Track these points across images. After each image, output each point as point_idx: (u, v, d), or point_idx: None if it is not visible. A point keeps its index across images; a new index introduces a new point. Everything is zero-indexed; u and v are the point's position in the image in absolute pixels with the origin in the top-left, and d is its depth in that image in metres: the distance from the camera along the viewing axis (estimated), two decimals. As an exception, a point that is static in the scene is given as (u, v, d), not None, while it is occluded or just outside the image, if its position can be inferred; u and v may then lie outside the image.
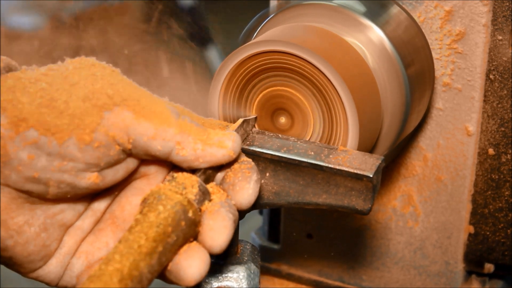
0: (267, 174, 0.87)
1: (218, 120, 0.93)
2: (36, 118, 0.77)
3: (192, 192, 0.79)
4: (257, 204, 0.87)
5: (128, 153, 0.81)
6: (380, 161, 0.85)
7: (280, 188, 0.87)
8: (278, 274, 1.25)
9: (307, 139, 0.92)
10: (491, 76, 1.05)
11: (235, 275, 0.89)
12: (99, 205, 0.85)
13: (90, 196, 0.84)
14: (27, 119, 0.77)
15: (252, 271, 0.89)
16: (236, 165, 0.84)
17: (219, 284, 0.88)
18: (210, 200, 0.81)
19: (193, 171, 0.82)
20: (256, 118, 0.93)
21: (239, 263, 0.89)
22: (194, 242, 0.79)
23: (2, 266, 0.84)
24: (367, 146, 0.95)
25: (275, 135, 0.91)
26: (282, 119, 0.93)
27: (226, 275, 0.89)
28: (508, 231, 1.10)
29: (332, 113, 0.91)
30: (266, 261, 1.25)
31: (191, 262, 0.77)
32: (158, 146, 0.79)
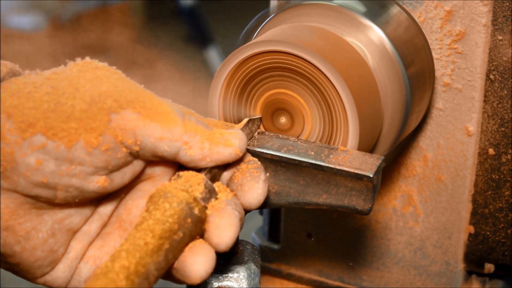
0: (267, 174, 0.87)
1: (220, 121, 0.93)
2: (43, 123, 0.77)
3: (198, 190, 0.79)
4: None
5: (135, 155, 0.81)
6: (380, 161, 0.85)
7: (280, 188, 0.87)
8: (278, 274, 1.25)
9: (307, 139, 0.92)
10: (491, 76, 1.05)
11: (235, 275, 0.89)
12: (106, 209, 0.85)
13: (97, 200, 0.84)
14: (34, 124, 0.77)
15: (252, 271, 0.89)
16: (243, 165, 0.84)
17: (220, 284, 0.88)
18: (216, 198, 0.81)
19: (199, 170, 0.82)
20: (261, 118, 0.93)
21: (240, 263, 0.89)
22: (200, 239, 0.79)
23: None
24: (367, 146, 0.95)
25: (275, 135, 0.91)
26: (282, 119, 0.93)
27: (226, 275, 0.89)
28: (509, 231, 1.10)
29: (332, 113, 0.91)
30: (266, 261, 1.25)
31: (196, 259, 0.77)
32: (165, 147, 0.79)
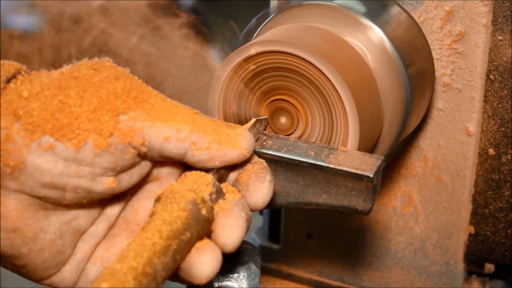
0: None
1: (225, 122, 0.93)
2: (51, 124, 0.77)
3: (206, 191, 0.79)
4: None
5: (143, 156, 0.81)
6: (380, 161, 0.85)
7: (280, 188, 0.87)
8: (279, 274, 1.25)
9: (307, 139, 0.92)
10: (491, 76, 1.06)
11: (235, 275, 0.89)
12: (112, 210, 0.85)
13: (104, 201, 0.84)
14: (42, 125, 0.77)
15: (252, 271, 0.89)
16: (249, 166, 0.84)
17: (220, 284, 0.88)
18: (223, 199, 0.81)
19: (206, 170, 0.82)
20: (267, 118, 0.93)
21: (240, 263, 0.89)
22: (207, 240, 0.79)
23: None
24: (368, 146, 0.95)
25: (276, 135, 0.91)
26: (283, 119, 0.93)
27: (226, 275, 0.89)
28: (509, 231, 1.10)
29: (333, 113, 0.91)
30: (267, 261, 1.25)
31: (203, 259, 0.77)
32: (173, 148, 0.79)
